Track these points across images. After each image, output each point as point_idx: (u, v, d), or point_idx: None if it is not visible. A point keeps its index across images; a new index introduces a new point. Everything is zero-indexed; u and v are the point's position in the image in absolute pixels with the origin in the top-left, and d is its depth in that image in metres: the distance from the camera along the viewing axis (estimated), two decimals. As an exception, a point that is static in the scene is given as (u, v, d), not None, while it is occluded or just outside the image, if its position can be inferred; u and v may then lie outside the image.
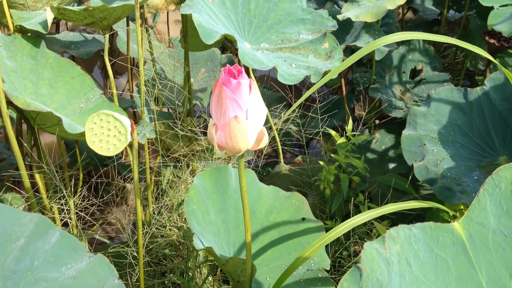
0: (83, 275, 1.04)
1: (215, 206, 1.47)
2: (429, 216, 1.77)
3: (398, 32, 2.48)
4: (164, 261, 1.86)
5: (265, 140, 0.99)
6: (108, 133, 1.04)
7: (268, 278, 1.40)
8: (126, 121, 1.05)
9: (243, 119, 0.93)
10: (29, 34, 1.82)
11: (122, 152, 1.09)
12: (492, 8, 1.99)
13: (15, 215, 1.07)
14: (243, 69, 0.94)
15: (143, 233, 1.57)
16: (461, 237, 0.94)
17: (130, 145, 1.16)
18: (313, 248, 1.15)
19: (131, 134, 1.07)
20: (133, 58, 3.25)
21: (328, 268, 1.41)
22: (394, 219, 1.91)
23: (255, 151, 2.27)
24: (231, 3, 1.83)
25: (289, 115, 2.22)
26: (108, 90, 1.96)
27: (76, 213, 1.71)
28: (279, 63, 1.69)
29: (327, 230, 1.79)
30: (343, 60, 1.80)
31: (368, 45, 1.37)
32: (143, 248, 1.47)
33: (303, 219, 1.52)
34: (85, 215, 1.72)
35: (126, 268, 1.60)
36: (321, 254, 1.44)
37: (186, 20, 1.92)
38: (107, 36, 1.87)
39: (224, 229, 1.46)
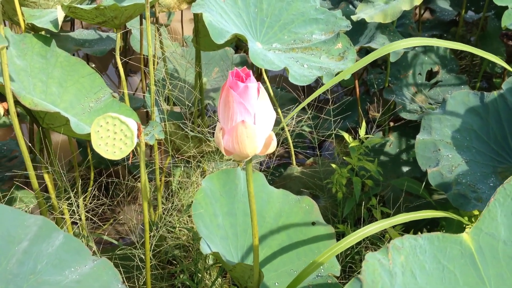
0: (87, 279, 1.02)
1: (223, 210, 1.45)
2: (443, 221, 1.73)
3: (413, 33, 2.44)
4: (174, 261, 1.85)
5: (273, 145, 0.97)
6: (114, 136, 1.02)
7: (276, 283, 1.38)
8: (133, 124, 1.03)
9: (251, 124, 0.90)
10: (42, 32, 1.82)
11: (130, 153, 1.07)
12: (506, 8, 1.93)
13: (18, 217, 1.06)
14: (251, 72, 0.92)
15: (152, 235, 1.55)
16: (470, 249, 0.91)
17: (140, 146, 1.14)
18: (325, 256, 1.12)
19: (138, 137, 1.05)
20: (147, 56, 3.24)
21: (338, 274, 1.38)
22: (407, 224, 1.87)
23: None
24: (243, 2, 1.81)
25: (302, 116, 2.19)
26: (119, 90, 1.95)
27: (87, 212, 1.71)
28: (291, 63, 1.66)
29: (338, 233, 1.76)
30: (356, 61, 1.77)
31: (379, 49, 1.34)
32: (151, 251, 1.45)
33: (313, 223, 1.49)
34: (94, 215, 1.71)
35: (134, 270, 1.59)
36: (331, 260, 1.41)
37: (198, 20, 1.90)
38: (118, 35, 1.85)
39: (232, 233, 1.44)
